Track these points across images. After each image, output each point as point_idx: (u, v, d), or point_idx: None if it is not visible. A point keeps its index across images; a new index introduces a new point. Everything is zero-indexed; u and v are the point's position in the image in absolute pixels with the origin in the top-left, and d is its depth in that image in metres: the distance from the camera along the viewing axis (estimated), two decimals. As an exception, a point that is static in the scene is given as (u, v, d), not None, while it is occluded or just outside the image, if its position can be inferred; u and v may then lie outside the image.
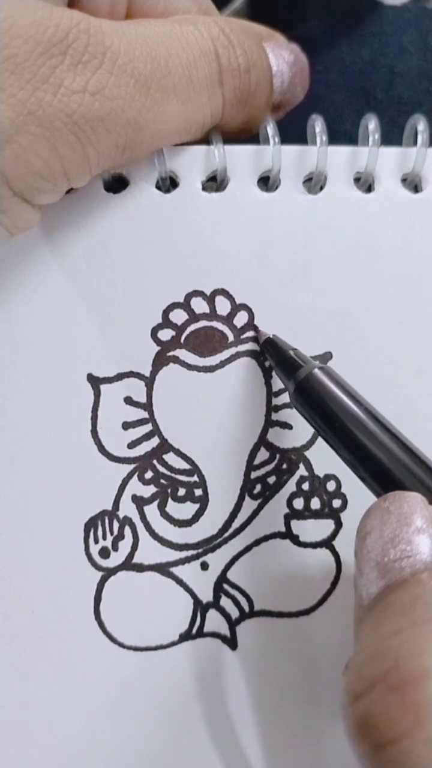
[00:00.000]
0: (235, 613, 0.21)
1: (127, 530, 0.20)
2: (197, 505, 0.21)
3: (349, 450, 0.17)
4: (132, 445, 0.20)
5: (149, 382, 0.20)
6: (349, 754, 0.21)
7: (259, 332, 0.20)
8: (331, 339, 0.20)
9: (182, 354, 0.20)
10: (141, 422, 0.20)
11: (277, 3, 0.29)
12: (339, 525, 0.21)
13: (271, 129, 0.20)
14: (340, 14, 0.28)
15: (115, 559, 0.20)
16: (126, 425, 0.20)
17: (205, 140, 0.20)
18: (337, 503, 0.21)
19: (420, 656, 0.12)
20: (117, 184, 0.20)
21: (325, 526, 0.21)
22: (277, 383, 0.21)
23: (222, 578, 0.21)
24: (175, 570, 0.20)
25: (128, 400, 0.20)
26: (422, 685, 0.12)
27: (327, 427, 0.17)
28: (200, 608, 0.21)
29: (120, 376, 0.20)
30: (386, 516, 0.15)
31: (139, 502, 0.20)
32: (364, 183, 0.20)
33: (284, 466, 0.21)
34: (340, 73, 0.28)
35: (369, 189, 0.20)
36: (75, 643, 0.20)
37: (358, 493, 0.20)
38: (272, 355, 0.20)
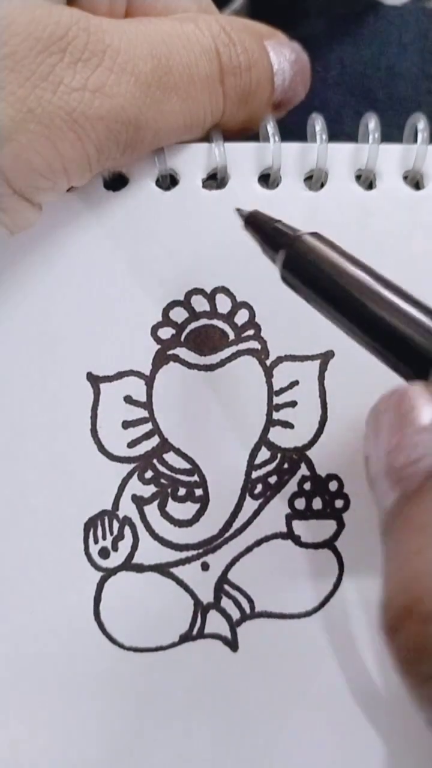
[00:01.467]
0: (236, 614, 0.20)
1: (127, 530, 0.20)
2: (198, 505, 0.20)
3: (353, 320, 0.15)
4: (132, 444, 0.20)
5: (149, 381, 0.20)
6: (350, 754, 0.21)
7: (240, 211, 0.18)
8: (333, 337, 0.20)
9: (182, 352, 0.20)
10: (141, 421, 0.20)
11: (277, 2, 0.29)
12: (341, 525, 0.20)
13: (271, 127, 0.20)
14: (340, 14, 0.28)
15: (115, 559, 0.20)
16: (126, 424, 0.20)
17: (205, 138, 0.20)
18: (339, 503, 0.20)
19: None
20: (117, 181, 0.20)
21: (327, 527, 0.20)
22: (279, 382, 0.20)
23: (223, 579, 0.20)
24: (175, 570, 0.20)
25: (128, 399, 0.20)
26: None
27: (324, 297, 0.15)
28: (201, 609, 0.20)
29: (120, 375, 0.20)
30: (383, 417, 0.13)
31: (139, 501, 0.20)
32: (365, 180, 0.20)
33: (285, 465, 0.21)
34: (340, 72, 0.28)
35: (370, 186, 0.20)
36: (74, 643, 0.20)
37: (360, 493, 0.20)
38: (256, 232, 0.17)
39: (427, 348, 0.14)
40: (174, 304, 0.20)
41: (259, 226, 0.17)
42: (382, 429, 0.13)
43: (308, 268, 0.15)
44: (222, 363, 0.20)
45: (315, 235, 0.16)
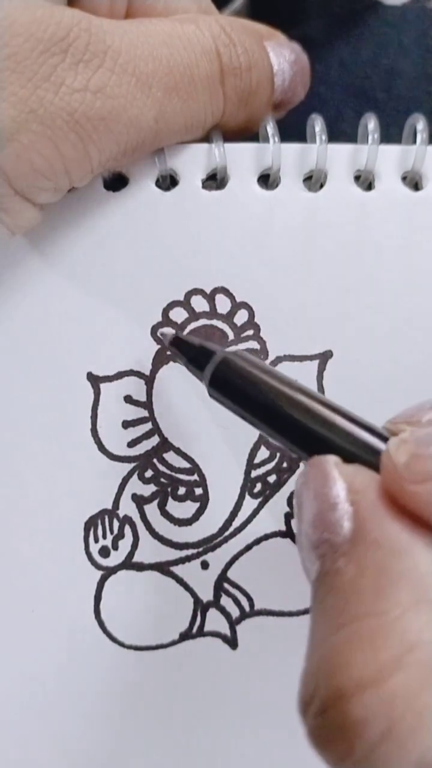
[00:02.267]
0: (235, 612, 0.20)
1: (127, 529, 0.20)
2: (197, 504, 0.21)
3: (276, 426, 0.16)
4: (132, 443, 0.20)
5: (149, 381, 0.20)
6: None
7: (164, 335, 0.19)
8: (332, 337, 0.20)
9: (182, 352, 0.20)
10: (141, 421, 0.20)
11: (277, 3, 0.29)
12: (339, 524, 0.21)
13: (271, 128, 0.20)
14: (340, 14, 0.28)
15: (115, 558, 0.20)
16: (126, 424, 0.20)
17: (205, 139, 0.20)
18: (337, 502, 0.21)
19: (335, 675, 0.11)
20: (117, 182, 0.20)
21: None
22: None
23: (222, 577, 0.21)
24: (175, 569, 0.20)
25: (128, 399, 0.20)
26: (341, 708, 0.11)
27: (248, 409, 0.16)
28: (200, 607, 0.20)
29: (120, 375, 0.20)
30: (304, 493, 0.14)
31: (139, 501, 0.20)
32: (365, 181, 0.20)
33: (285, 464, 0.21)
34: (340, 72, 0.28)
35: (369, 187, 0.21)
36: (75, 642, 0.20)
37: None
38: (181, 354, 0.18)
39: (335, 443, 0.14)
40: (174, 304, 0.20)
41: (184, 347, 0.18)
42: (303, 503, 0.13)
43: (232, 384, 0.16)
44: (222, 363, 0.20)
45: (236, 354, 0.17)
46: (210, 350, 0.17)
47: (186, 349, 0.18)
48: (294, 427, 0.15)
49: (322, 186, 0.20)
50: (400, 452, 0.13)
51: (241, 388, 0.16)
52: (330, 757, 0.12)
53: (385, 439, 0.14)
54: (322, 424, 0.15)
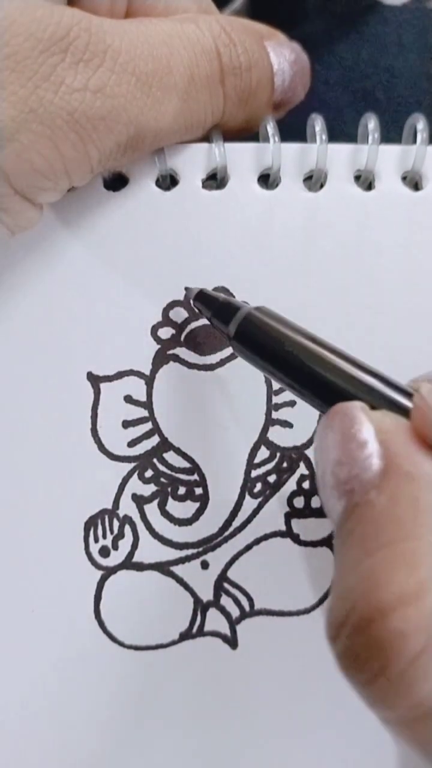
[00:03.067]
0: (235, 612, 0.20)
1: (127, 529, 0.20)
2: (197, 504, 0.21)
3: (300, 380, 0.16)
4: (132, 443, 0.20)
5: (149, 381, 0.20)
6: (350, 752, 0.21)
7: (189, 290, 0.20)
8: (332, 336, 0.20)
9: (182, 352, 0.20)
10: (141, 421, 0.20)
11: (277, 3, 0.29)
12: (339, 524, 0.21)
13: (271, 127, 0.20)
14: (340, 14, 0.28)
15: (115, 558, 0.20)
16: (126, 424, 0.20)
17: (205, 138, 0.20)
18: (337, 502, 0.21)
19: (374, 592, 0.12)
20: (117, 182, 0.20)
21: (326, 525, 0.21)
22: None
23: (222, 577, 0.21)
24: (175, 569, 0.20)
25: (128, 399, 0.20)
26: (381, 624, 0.11)
27: (273, 363, 0.17)
28: (200, 607, 0.20)
29: (120, 375, 0.20)
30: (329, 434, 0.14)
31: (139, 500, 0.20)
32: (365, 181, 0.20)
33: (285, 464, 0.21)
34: (340, 72, 0.28)
35: (369, 187, 0.21)
36: (75, 642, 0.20)
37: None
38: (207, 309, 0.19)
39: (357, 395, 0.15)
40: (174, 304, 0.20)
41: (209, 302, 0.19)
42: (328, 444, 0.14)
43: (256, 338, 0.17)
44: (222, 363, 0.20)
45: (260, 309, 0.17)
46: (235, 305, 0.18)
47: (211, 303, 0.18)
48: (318, 381, 0.15)
49: (322, 186, 0.20)
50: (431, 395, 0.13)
51: (265, 343, 0.17)
52: (362, 677, 0.12)
53: (408, 394, 0.14)
54: (345, 378, 0.15)
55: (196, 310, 0.20)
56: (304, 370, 0.16)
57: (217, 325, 0.18)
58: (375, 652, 0.12)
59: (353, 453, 0.13)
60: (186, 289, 0.20)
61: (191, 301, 0.20)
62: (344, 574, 0.13)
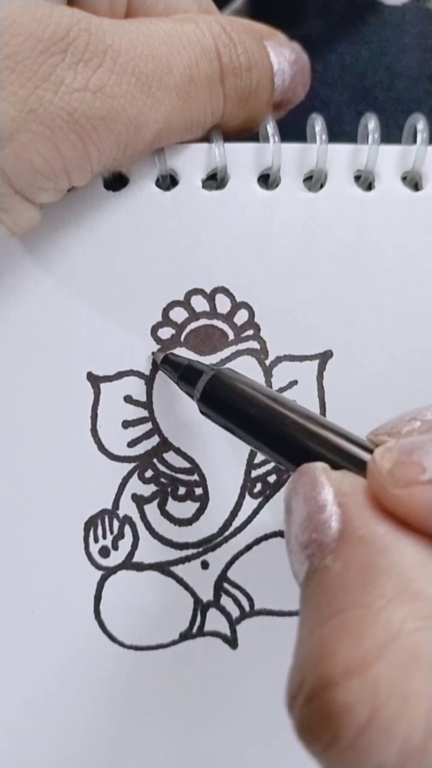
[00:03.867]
0: (235, 612, 0.20)
1: (127, 529, 0.20)
2: (197, 504, 0.21)
3: (264, 439, 0.16)
4: (132, 443, 0.20)
5: (149, 381, 0.20)
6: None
7: (155, 354, 0.20)
8: (332, 337, 0.20)
9: (182, 352, 0.20)
10: (141, 421, 0.20)
11: (277, 3, 0.29)
12: (339, 524, 0.21)
13: (271, 128, 0.20)
14: (340, 14, 0.28)
15: (115, 558, 0.20)
16: (126, 424, 0.20)
17: (205, 138, 0.20)
18: (337, 502, 0.21)
19: (323, 663, 0.12)
20: (117, 182, 0.20)
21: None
22: (278, 381, 0.21)
23: (222, 577, 0.21)
24: (175, 569, 0.20)
25: (128, 399, 0.20)
26: (328, 696, 0.11)
27: (237, 423, 0.17)
28: (200, 607, 0.20)
29: (120, 375, 0.20)
30: (294, 498, 0.14)
31: (139, 500, 0.20)
32: (365, 181, 0.20)
33: (285, 464, 0.21)
34: (340, 72, 0.28)
35: (369, 187, 0.21)
36: (75, 642, 0.20)
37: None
38: (173, 373, 0.19)
39: (320, 453, 0.15)
40: (174, 303, 0.20)
41: (174, 365, 0.19)
42: (293, 508, 0.14)
43: (221, 400, 0.17)
44: (222, 363, 0.20)
45: (221, 371, 0.18)
46: (199, 368, 0.18)
47: (176, 367, 0.19)
48: (282, 441, 0.16)
49: (322, 186, 0.20)
50: (385, 459, 0.13)
51: (230, 404, 0.17)
52: (316, 747, 0.12)
53: (368, 450, 0.15)
54: (309, 436, 0.15)
55: (164, 372, 0.20)
56: (268, 429, 0.16)
57: (183, 387, 0.19)
58: (324, 723, 0.11)
59: (314, 516, 0.13)
60: (152, 353, 0.20)
61: (159, 365, 0.20)
62: (301, 643, 0.13)
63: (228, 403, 0.17)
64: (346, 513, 0.13)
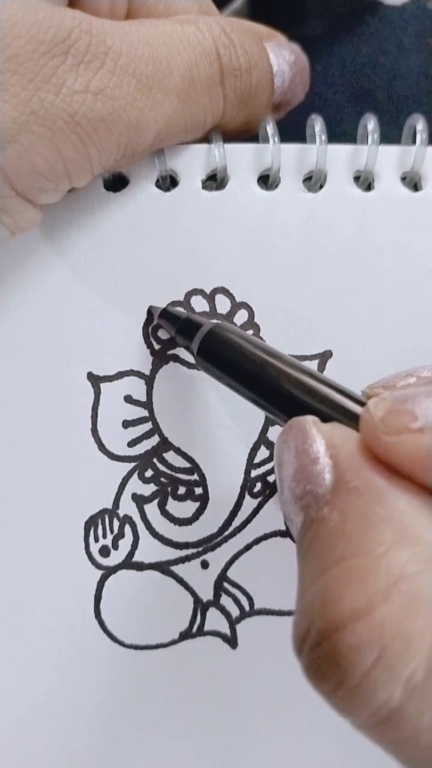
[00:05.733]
0: (235, 611, 0.21)
1: (128, 529, 0.20)
2: (197, 504, 0.21)
3: (257, 391, 0.16)
4: (132, 443, 0.20)
5: (149, 381, 0.20)
6: (349, 751, 0.21)
7: (153, 308, 0.20)
8: (331, 337, 0.20)
9: (182, 352, 0.20)
10: (141, 421, 0.20)
11: (277, 3, 0.29)
12: (339, 523, 0.21)
13: (270, 128, 0.20)
14: (340, 14, 0.28)
15: (116, 557, 0.20)
16: (126, 424, 0.20)
17: (205, 139, 0.20)
18: (337, 502, 0.21)
19: (329, 608, 0.12)
20: (117, 182, 0.20)
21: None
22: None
23: (222, 577, 0.21)
24: (175, 568, 0.21)
25: (128, 399, 0.20)
26: (336, 639, 0.12)
27: (233, 376, 0.17)
28: (200, 607, 0.21)
29: (120, 375, 0.20)
30: (285, 451, 0.14)
31: (140, 500, 0.20)
32: (364, 181, 0.21)
33: (284, 464, 0.21)
34: (340, 73, 0.28)
35: (369, 187, 0.21)
36: (75, 641, 0.20)
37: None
38: (170, 326, 0.19)
39: (313, 406, 0.15)
40: (174, 304, 0.20)
41: (172, 319, 0.19)
42: (284, 459, 0.14)
43: (218, 353, 0.17)
44: (222, 363, 0.20)
45: (220, 325, 0.18)
46: (197, 322, 0.18)
47: (174, 320, 0.19)
48: (275, 393, 0.16)
49: (321, 186, 0.20)
50: (378, 408, 0.14)
51: (226, 357, 0.17)
52: (325, 687, 0.12)
53: (361, 404, 0.15)
54: (301, 389, 0.16)
55: (162, 329, 0.20)
56: (263, 383, 0.16)
57: (181, 341, 0.19)
58: (333, 665, 0.12)
59: (307, 468, 0.14)
60: (150, 308, 0.20)
61: (156, 319, 0.20)
62: (304, 591, 0.13)
63: (224, 357, 0.17)
64: (338, 464, 0.13)
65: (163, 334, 0.20)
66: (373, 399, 0.14)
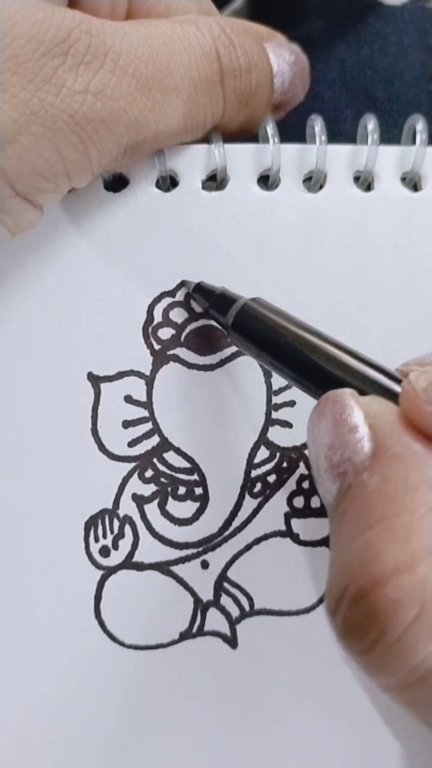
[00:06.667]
0: (235, 611, 0.21)
1: (128, 529, 0.20)
2: (197, 504, 0.21)
3: (292, 366, 0.17)
4: (132, 443, 0.20)
5: (149, 381, 0.20)
6: (350, 751, 0.21)
7: (187, 283, 0.20)
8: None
9: (182, 352, 0.20)
10: (141, 421, 0.20)
11: (277, 3, 0.29)
12: (339, 523, 0.21)
13: (270, 128, 0.20)
14: (340, 14, 0.28)
15: (116, 557, 0.20)
16: (126, 424, 0.20)
17: (205, 139, 0.20)
18: (337, 502, 0.21)
19: (370, 564, 0.12)
20: (117, 183, 0.20)
21: (325, 525, 0.21)
22: (278, 381, 0.21)
23: (222, 577, 0.21)
24: (175, 569, 0.21)
25: (128, 399, 0.20)
26: (377, 593, 0.12)
27: (267, 351, 0.17)
28: (200, 607, 0.21)
29: (120, 375, 0.20)
30: (322, 421, 0.15)
31: (140, 500, 0.20)
32: (364, 182, 0.21)
33: (284, 464, 0.21)
34: (340, 73, 0.28)
35: (368, 188, 0.21)
36: (75, 641, 0.20)
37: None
38: (204, 300, 0.20)
39: (348, 381, 0.16)
40: (174, 304, 0.20)
41: (206, 294, 0.19)
42: (321, 430, 0.15)
43: (253, 328, 0.18)
44: (221, 363, 0.21)
45: (256, 300, 0.18)
46: (231, 297, 0.19)
47: (208, 295, 0.19)
48: (311, 369, 0.16)
49: (321, 187, 0.20)
50: (420, 380, 0.14)
51: (260, 332, 0.17)
52: (362, 645, 0.12)
53: (397, 380, 0.15)
54: (338, 365, 0.16)
55: (194, 302, 0.20)
56: (298, 358, 0.16)
57: (215, 315, 0.19)
58: (372, 620, 0.12)
59: (345, 437, 0.14)
60: (183, 282, 0.20)
61: (190, 293, 0.20)
62: (341, 551, 0.13)
63: (259, 331, 0.17)
64: (377, 433, 0.14)
65: (163, 334, 0.20)
66: (413, 372, 0.15)
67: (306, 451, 0.21)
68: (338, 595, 0.13)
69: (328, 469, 0.14)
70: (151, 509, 0.21)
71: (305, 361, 0.16)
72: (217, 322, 0.19)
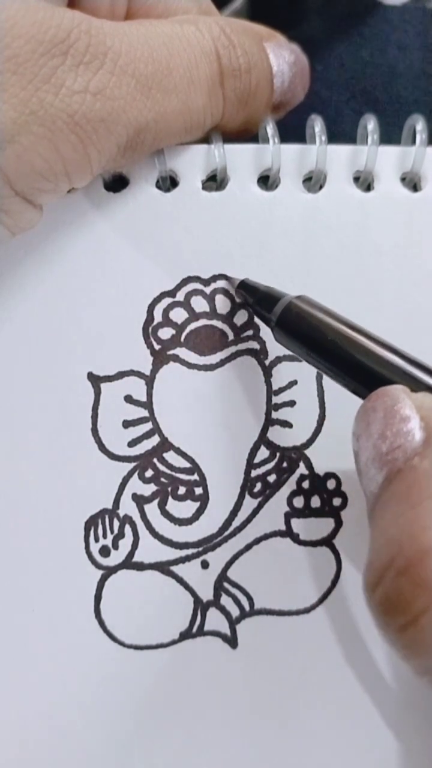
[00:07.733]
0: (235, 611, 0.21)
1: (128, 529, 0.20)
2: (197, 504, 0.21)
3: (340, 366, 0.17)
4: (132, 443, 0.20)
5: (149, 381, 0.20)
6: (350, 751, 0.21)
7: (231, 279, 0.20)
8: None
9: (182, 353, 0.20)
10: (141, 421, 0.20)
11: (277, 3, 0.29)
12: (339, 523, 0.21)
13: (270, 129, 0.20)
14: (340, 14, 0.28)
15: (116, 557, 0.20)
16: (126, 424, 0.20)
17: (205, 140, 0.20)
18: (337, 501, 0.21)
19: (420, 536, 0.13)
20: (117, 183, 0.20)
21: (325, 525, 0.21)
22: (278, 381, 0.21)
23: (222, 577, 0.21)
24: (175, 569, 0.21)
25: (128, 399, 0.20)
26: (426, 562, 0.12)
27: (313, 349, 0.17)
28: (200, 607, 0.21)
29: (120, 375, 0.20)
30: (372, 414, 0.15)
31: (140, 500, 0.20)
32: (364, 182, 0.21)
33: (284, 464, 0.21)
34: (340, 73, 0.28)
35: (368, 188, 0.21)
36: (75, 641, 0.20)
37: (358, 491, 0.21)
38: (249, 296, 0.20)
39: (397, 381, 0.16)
40: (174, 304, 0.20)
41: (251, 291, 0.20)
42: (370, 422, 0.15)
43: (298, 326, 0.18)
44: (221, 363, 0.21)
45: (301, 297, 0.18)
46: (276, 294, 0.19)
47: (253, 292, 0.19)
48: (358, 368, 0.16)
49: (321, 187, 0.20)
50: None
51: (306, 330, 0.17)
52: (402, 619, 0.13)
53: None
54: (385, 365, 0.16)
55: (238, 299, 0.20)
56: (345, 356, 0.17)
57: (260, 312, 0.19)
58: (420, 590, 0.12)
59: (396, 426, 0.14)
60: (227, 278, 0.20)
61: (234, 290, 0.20)
62: (385, 528, 0.13)
63: (304, 329, 0.17)
64: (429, 424, 0.14)
65: (163, 334, 0.20)
66: None
67: (306, 452, 0.21)
68: (383, 568, 0.13)
69: (375, 458, 0.15)
70: (151, 509, 0.21)
71: (351, 360, 0.16)
72: (262, 319, 0.20)
